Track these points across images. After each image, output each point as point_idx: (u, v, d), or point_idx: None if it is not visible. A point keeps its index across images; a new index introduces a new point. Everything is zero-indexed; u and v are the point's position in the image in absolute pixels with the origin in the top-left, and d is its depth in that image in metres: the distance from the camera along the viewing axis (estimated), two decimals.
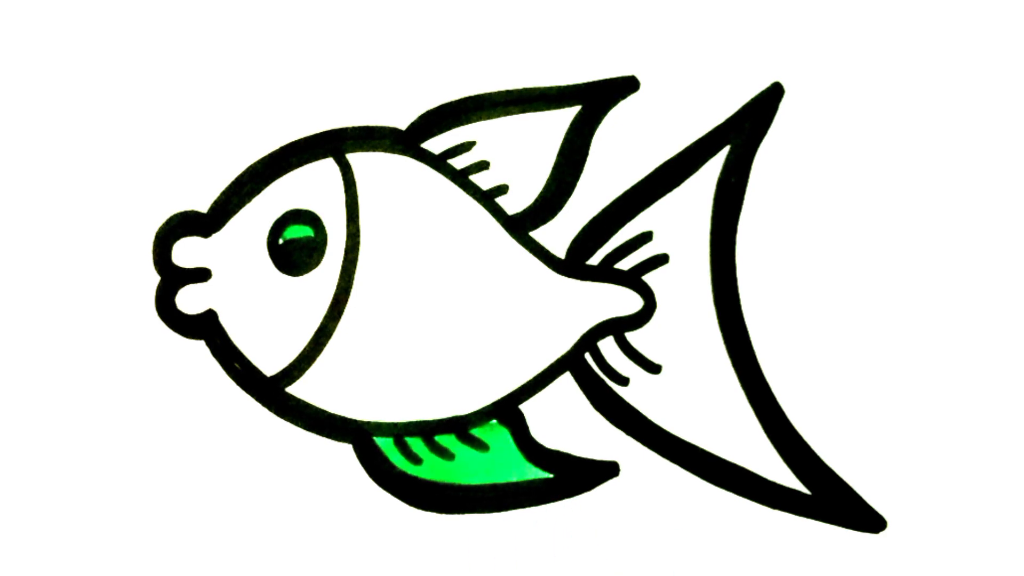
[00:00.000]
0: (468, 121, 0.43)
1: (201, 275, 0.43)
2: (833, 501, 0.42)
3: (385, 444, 0.43)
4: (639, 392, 0.43)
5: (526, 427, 0.43)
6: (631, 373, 0.43)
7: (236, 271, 0.43)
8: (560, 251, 0.43)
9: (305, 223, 0.43)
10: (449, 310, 0.43)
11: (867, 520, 0.42)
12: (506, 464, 0.43)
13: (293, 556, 0.43)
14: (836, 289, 0.43)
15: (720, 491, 0.43)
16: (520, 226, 0.43)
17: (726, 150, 0.43)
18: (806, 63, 0.43)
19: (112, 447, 0.43)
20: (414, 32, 0.43)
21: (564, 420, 0.43)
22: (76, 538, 0.43)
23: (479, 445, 0.43)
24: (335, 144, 0.43)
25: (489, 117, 0.43)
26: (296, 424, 0.43)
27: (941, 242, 0.43)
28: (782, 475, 0.42)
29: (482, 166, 0.43)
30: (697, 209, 0.43)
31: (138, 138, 0.43)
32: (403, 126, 0.43)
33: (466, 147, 0.43)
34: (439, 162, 0.43)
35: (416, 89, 0.43)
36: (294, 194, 0.43)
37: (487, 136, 0.43)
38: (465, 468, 0.43)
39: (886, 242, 0.43)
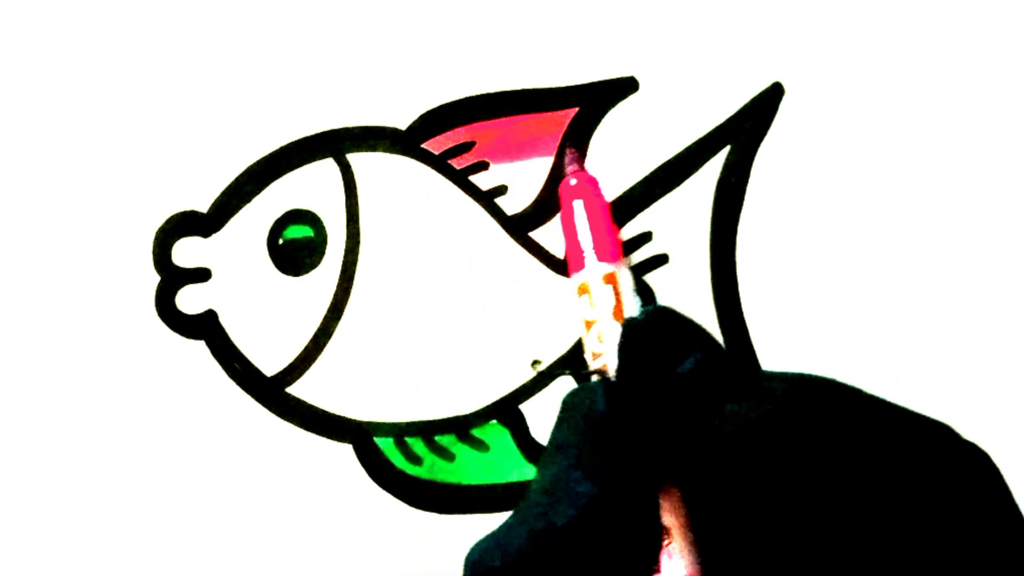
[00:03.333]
0: (468, 121, 0.43)
1: (201, 275, 0.43)
2: None
3: (385, 444, 0.43)
4: None
5: (526, 427, 0.43)
6: None
7: (236, 271, 0.43)
8: (560, 251, 0.43)
9: (305, 223, 0.43)
10: (449, 310, 0.43)
11: None
12: (506, 464, 0.43)
13: (293, 556, 0.43)
14: (837, 289, 0.43)
15: None
16: (520, 226, 0.43)
17: (726, 150, 0.43)
18: (806, 63, 0.43)
19: (112, 447, 0.43)
20: (414, 32, 0.43)
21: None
22: (75, 538, 0.43)
23: (479, 445, 0.43)
24: (335, 144, 0.43)
25: (489, 117, 0.43)
26: (296, 424, 0.43)
27: (943, 242, 0.43)
28: None
29: (482, 166, 0.43)
30: (697, 209, 0.43)
31: (138, 138, 0.43)
32: (403, 126, 0.43)
33: (466, 147, 0.43)
34: (439, 162, 0.43)
35: (416, 89, 0.43)
36: (294, 194, 0.43)
37: (487, 136, 0.43)
38: (465, 468, 0.43)
39: (887, 242, 0.43)
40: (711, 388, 0.31)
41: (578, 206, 0.40)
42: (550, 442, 0.33)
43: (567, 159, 0.42)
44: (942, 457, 0.30)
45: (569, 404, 0.34)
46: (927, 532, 0.28)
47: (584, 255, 0.39)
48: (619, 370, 0.35)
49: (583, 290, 0.39)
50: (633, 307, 0.38)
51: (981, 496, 0.29)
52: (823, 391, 0.31)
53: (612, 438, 0.32)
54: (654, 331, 0.34)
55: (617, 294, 0.38)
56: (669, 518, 0.32)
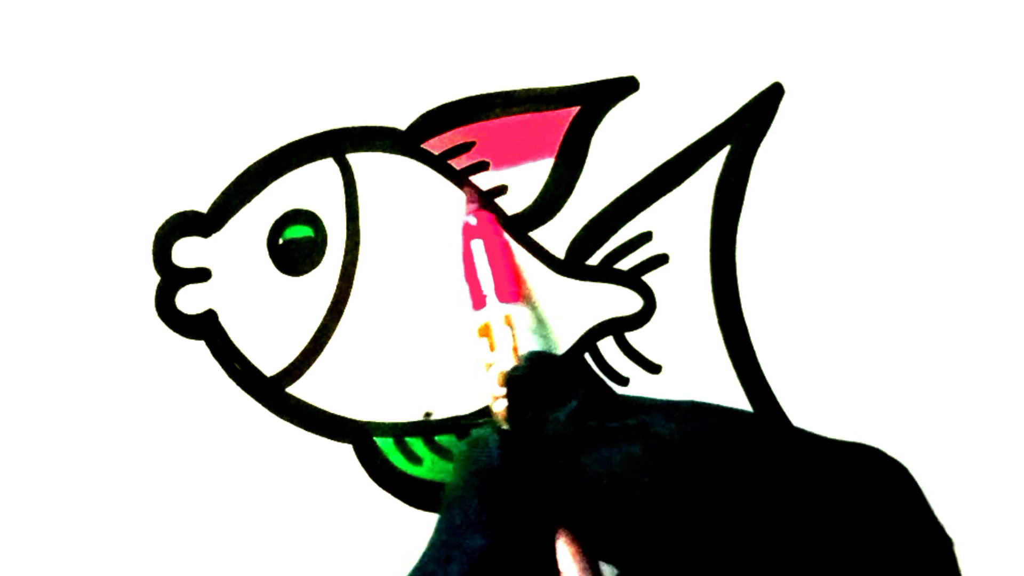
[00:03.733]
0: (468, 121, 0.43)
1: (201, 275, 0.43)
2: None
3: (385, 444, 0.43)
4: (639, 392, 0.43)
5: None
6: (631, 373, 0.43)
7: (236, 271, 0.43)
8: (560, 251, 0.43)
9: (305, 223, 0.43)
10: (449, 310, 0.43)
11: None
12: None
13: (293, 556, 0.43)
14: (837, 289, 0.43)
15: None
16: (520, 226, 0.43)
17: (726, 150, 0.43)
18: (806, 63, 0.43)
19: (112, 447, 0.43)
20: (414, 32, 0.43)
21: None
22: (76, 538, 0.43)
23: None
24: (335, 144, 0.43)
25: (489, 117, 0.43)
26: (296, 424, 0.43)
27: (942, 242, 0.43)
28: None
29: (482, 166, 0.43)
30: (697, 209, 0.43)
31: (138, 138, 0.43)
32: (403, 126, 0.43)
33: (466, 147, 0.43)
34: (439, 162, 0.43)
35: (416, 89, 0.43)
36: (294, 194, 0.43)
37: (487, 136, 0.43)
38: None
39: (887, 242, 0.43)
40: (593, 430, 0.30)
41: (477, 246, 0.40)
42: (446, 496, 0.33)
43: (466, 198, 0.41)
44: (854, 482, 0.29)
45: (464, 456, 0.34)
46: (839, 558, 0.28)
47: (485, 296, 0.39)
48: (508, 419, 0.34)
49: (484, 332, 0.39)
50: (531, 349, 0.38)
51: (899, 521, 0.29)
52: (713, 422, 0.31)
53: (505, 490, 0.31)
54: (535, 378, 0.33)
55: (514, 336, 0.38)
56: (567, 566, 0.32)
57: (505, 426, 0.36)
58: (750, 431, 0.30)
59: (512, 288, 0.39)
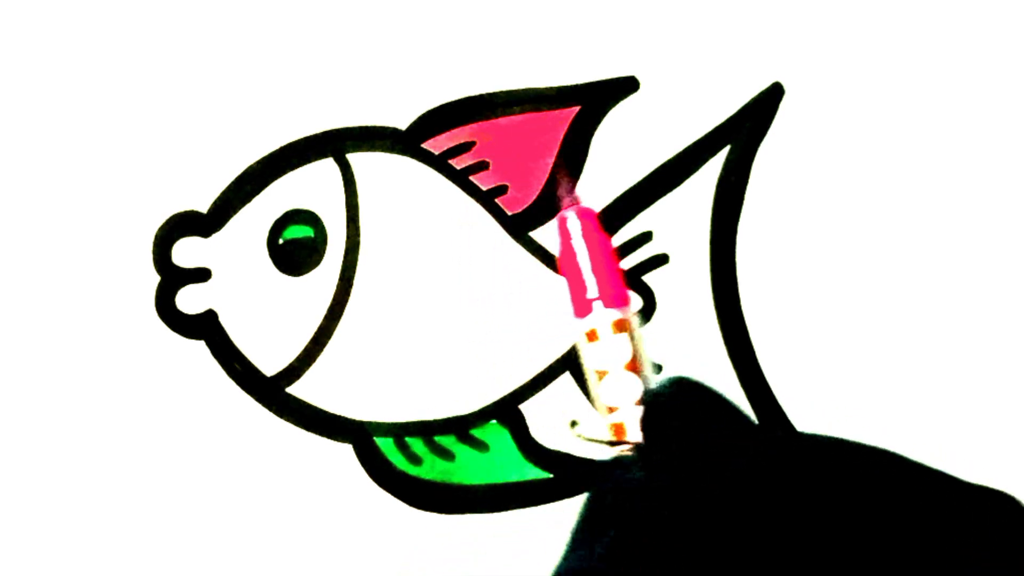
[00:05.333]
0: (468, 121, 0.43)
1: (201, 275, 0.43)
2: None
3: (385, 444, 0.43)
4: None
5: (526, 427, 0.43)
6: None
7: (236, 271, 0.43)
8: (559, 250, 0.43)
9: (305, 223, 0.43)
10: (449, 310, 0.43)
11: None
12: (506, 464, 0.43)
13: (293, 556, 0.43)
14: (836, 289, 0.43)
15: None
16: (520, 226, 0.43)
17: (726, 150, 0.43)
18: (806, 63, 0.43)
19: (112, 447, 0.43)
20: (414, 32, 0.43)
21: (564, 420, 0.43)
22: (76, 537, 0.43)
23: (479, 445, 0.43)
24: (335, 144, 0.43)
25: (489, 117, 0.43)
26: (296, 424, 0.43)
27: (942, 242, 0.43)
28: None
29: (482, 166, 0.43)
30: (697, 209, 0.43)
31: (138, 138, 0.43)
32: (403, 126, 0.43)
33: (466, 147, 0.43)
34: (439, 162, 0.43)
35: (416, 89, 0.43)
36: (294, 194, 0.43)
37: (487, 136, 0.43)
38: (465, 468, 0.43)
39: (886, 242, 0.43)
40: (753, 456, 0.29)
41: (580, 246, 0.36)
42: (584, 519, 0.31)
43: (562, 190, 0.40)
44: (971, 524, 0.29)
45: (611, 485, 0.31)
46: None
47: (591, 300, 0.36)
48: (645, 442, 0.32)
49: (592, 337, 0.36)
50: (650, 362, 0.35)
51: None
52: (858, 456, 0.30)
53: (665, 539, 0.29)
54: (679, 402, 0.31)
55: (633, 343, 0.35)
56: None
57: (630, 446, 0.33)
58: (889, 467, 0.29)
59: (618, 291, 0.36)
